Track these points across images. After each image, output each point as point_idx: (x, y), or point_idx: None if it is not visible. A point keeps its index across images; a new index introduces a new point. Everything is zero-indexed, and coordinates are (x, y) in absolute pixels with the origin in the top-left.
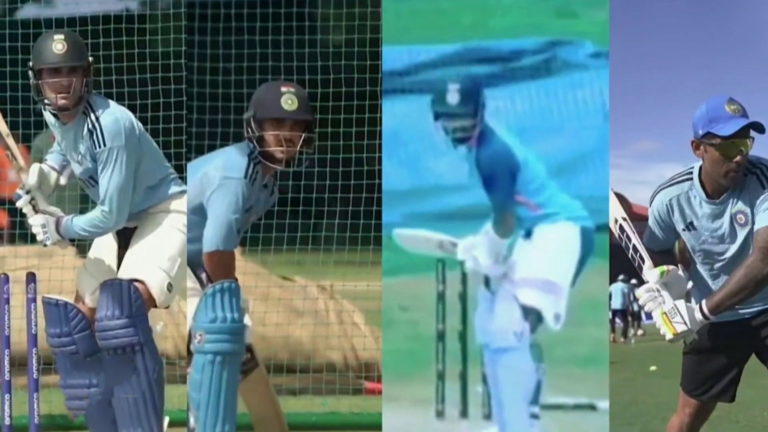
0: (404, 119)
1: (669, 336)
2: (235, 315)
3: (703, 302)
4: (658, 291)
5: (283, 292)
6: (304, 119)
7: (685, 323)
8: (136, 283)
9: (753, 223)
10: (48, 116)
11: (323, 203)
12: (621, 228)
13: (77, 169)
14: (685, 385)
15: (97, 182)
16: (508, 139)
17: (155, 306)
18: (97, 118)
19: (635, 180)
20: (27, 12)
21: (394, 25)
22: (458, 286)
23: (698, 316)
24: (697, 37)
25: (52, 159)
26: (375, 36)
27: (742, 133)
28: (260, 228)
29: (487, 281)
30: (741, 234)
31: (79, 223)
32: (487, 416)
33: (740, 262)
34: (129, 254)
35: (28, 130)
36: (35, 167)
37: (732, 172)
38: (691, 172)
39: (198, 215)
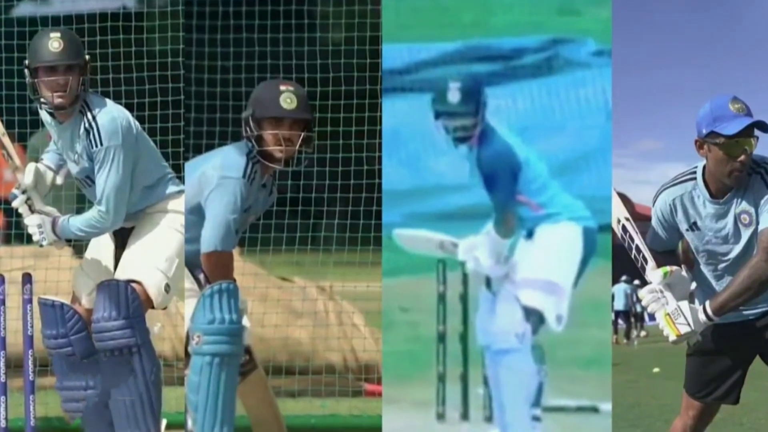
0: (404, 118)
1: (672, 337)
2: (234, 316)
3: (707, 303)
4: (662, 292)
5: (282, 293)
6: (303, 118)
7: (689, 324)
8: (134, 284)
9: (757, 223)
10: (44, 115)
11: (322, 203)
12: (624, 228)
13: (74, 169)
14: (689, 387)
15: (93, 182)
16: (509, 139)
17: (152, 307)
18: (93, 117)
19: (638, 180)
20: (23, 10)
21: (395, 22)
22: (459, 287)
23: (702, 317)
24: (701, 35)
25: (49, 158)
26: (375, 34)
27: (747, 132)
28: (259, 228)
29: (488, 282)
30: (745, 234)
31: (76, 223)
32: (489, 419)
33: (744, 262)
34: (126, 255)
35: (24, 129)
36: (31, 167)
37: (736, 172)
38: (695, 172)
39: (196, 215)
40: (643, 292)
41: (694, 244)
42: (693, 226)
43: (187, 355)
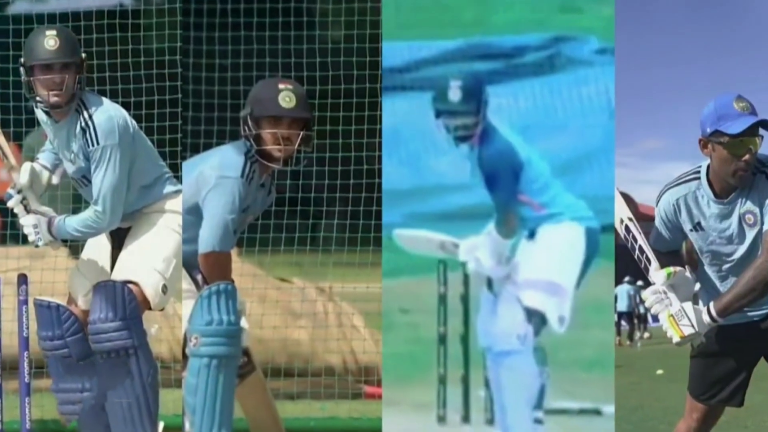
0: (405, 117)
1: (676, 339)
2: (232, 317)
3: (711, 304)
4: (665, 293)
5: (280, 294)
6: (302, 117)
7: (693, 326)
8: (130, 285)
9: (762, 223)
10: (40, 114)
11: (322, 203)
12: (627, 228)
13: (70, 168)
14: (693, 389)
15: (90, 181)
16: (511, 138)
17: (150, 308)
18: (90, 116)
19: (641, 179)
20: (18, 7)
21: (395, 20)
22: (460, 288)
23: (706, 318)
24: (705, 33)
25: (44, 158)
26: (375, 32)
27: (751, 131)
28: (257, 228)
29: (489, 283)
30: (750, 234)
31: (72, 223)
32: (490, 421)
33: (749, 263)
34: (123, 255)
35: (20, 128)
36: (27, 166)
37: (740, 171)
38: (699, 171)
39: (193, 215)
40: (646, 293)
41: (698, 245)
42: (697, 227)
43: (185, 356)
